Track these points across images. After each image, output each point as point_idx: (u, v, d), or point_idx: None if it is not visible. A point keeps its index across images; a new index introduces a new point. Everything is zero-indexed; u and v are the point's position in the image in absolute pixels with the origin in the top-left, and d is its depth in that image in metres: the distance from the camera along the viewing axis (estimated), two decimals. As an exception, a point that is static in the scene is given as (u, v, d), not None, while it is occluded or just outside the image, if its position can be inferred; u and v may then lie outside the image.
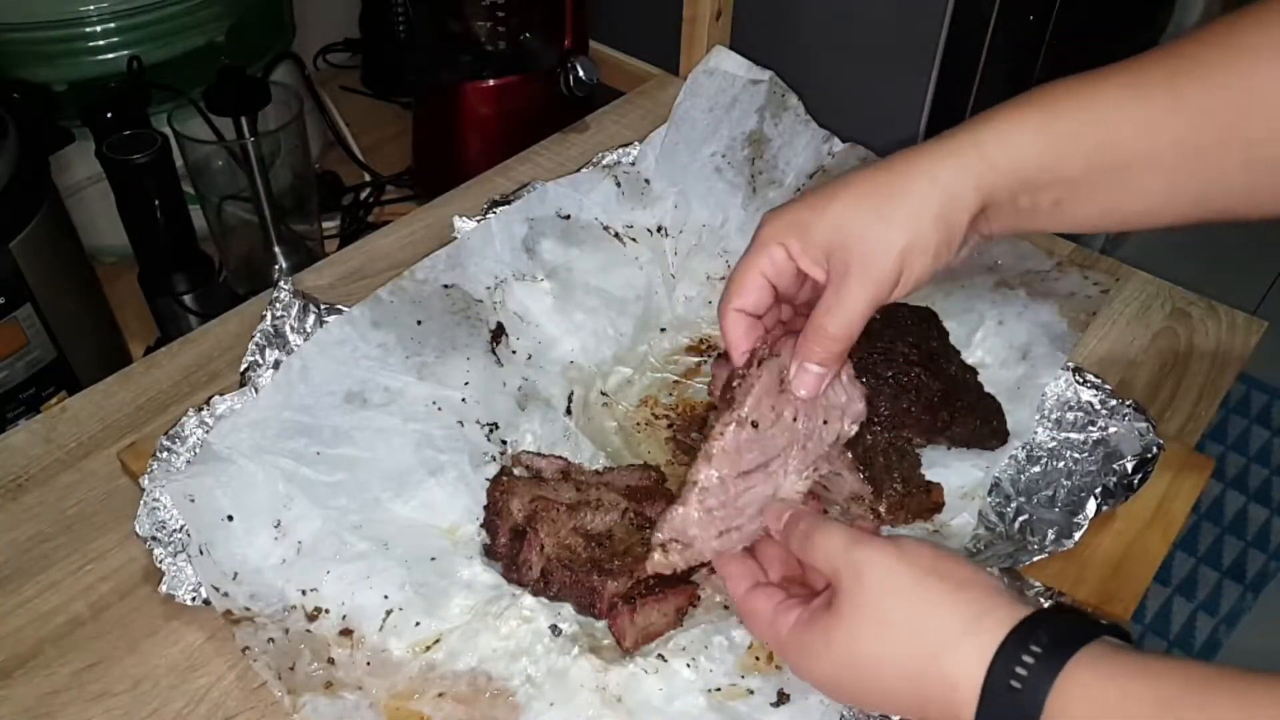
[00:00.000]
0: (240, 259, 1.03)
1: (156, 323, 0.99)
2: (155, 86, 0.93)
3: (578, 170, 0.79)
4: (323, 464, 0.58)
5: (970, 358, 0.68)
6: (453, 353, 0.64)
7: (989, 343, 0.69)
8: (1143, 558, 0.60)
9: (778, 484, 0.54)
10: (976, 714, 0.40)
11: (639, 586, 0.54)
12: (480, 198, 0.83)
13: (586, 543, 0.56)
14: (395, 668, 0.53)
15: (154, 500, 0.56)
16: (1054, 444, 0.64)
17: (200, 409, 0.59)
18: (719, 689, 0.52)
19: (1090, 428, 0.63)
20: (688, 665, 0.53)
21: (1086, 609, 0.53)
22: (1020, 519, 0.60)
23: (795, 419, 0.54)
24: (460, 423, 0.62)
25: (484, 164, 0.91)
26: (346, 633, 0.54)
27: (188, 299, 0.96)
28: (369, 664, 0.53)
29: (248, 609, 0.54)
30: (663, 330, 0.73)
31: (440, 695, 0.51)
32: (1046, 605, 0.43)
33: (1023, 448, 0.64)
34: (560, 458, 0.62)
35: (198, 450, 0.58)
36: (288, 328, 0.63)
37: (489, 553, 0.58)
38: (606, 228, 0.74)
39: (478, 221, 0.72)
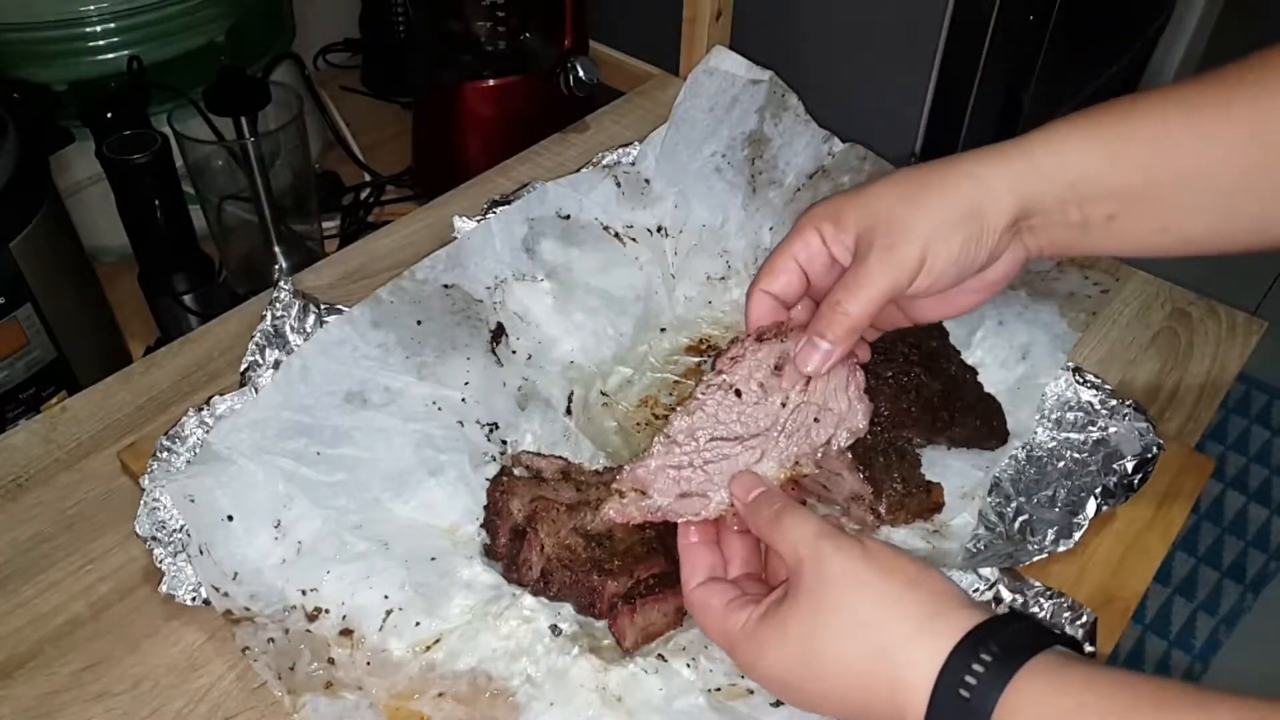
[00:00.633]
0: (240, 259, 1.03)
1: (156, 323, 0.99)
2: (155, 86, 0.93)
3: (578, 170, 0.79)
4: (323, 464, 0.58)
5: (970, 358, 0.68)
6: (453, 353, 0.64)
7: (989, 343, 0.69)
8: (1143, 558, 0.60)
9: (751, 465, 0.53)
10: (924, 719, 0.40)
11: (639, 586, 0.54)
12: (480, 198, 0.83)
13: (586, 543, 0.56)
14: (395, 668, 0.53)
15: (154, 500, 0.56)
16: (1054, 444, 0.64)
17: (200, 409, 0.59)
18: (719, 689, 0.52)
19: (1090, 428, 0.63)
20: (688, 665, 0.53)
21: (1047, 619, 0.52)
22: (1020, 519, 0.60)
23: (784, 404, 0.53)
24: (460, 423, 0.62)
25: (484, 164, 0.91)
26: (346, 633, 0.54)
27: (188, 299, 0.95)
28: (369, 664, 0.53)
29: (248, 609, 0.54)
30: (663, 330, 0.73)
31: (440, 695, 0.51)
32: (1000, 610, 0.42)
33: (1023, 448, 0.64)
34: (560, 458, 0.62)
35: (198, 450, 0.58)
36: (288, 328, 0.63)
37: (489, 553, 0.58)
38: (606, 228, 0.74)
39: (478, 221, 0.72)
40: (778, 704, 0.51)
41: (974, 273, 0.50)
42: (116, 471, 0.64)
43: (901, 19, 1.03)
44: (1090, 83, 1.34)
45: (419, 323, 0.64)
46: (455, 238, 0.71)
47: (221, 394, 0.60)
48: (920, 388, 0.62)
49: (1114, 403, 0.63)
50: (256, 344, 0.62)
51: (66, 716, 0.52)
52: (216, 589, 0.54)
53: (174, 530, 0.55)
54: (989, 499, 0.62)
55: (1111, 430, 0.62)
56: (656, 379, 0.71)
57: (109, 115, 0.89)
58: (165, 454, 0.58)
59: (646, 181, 0.76)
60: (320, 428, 0.59)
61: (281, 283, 0.64)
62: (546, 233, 0.72)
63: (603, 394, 0.69)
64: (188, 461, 0.58)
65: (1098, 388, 0.64)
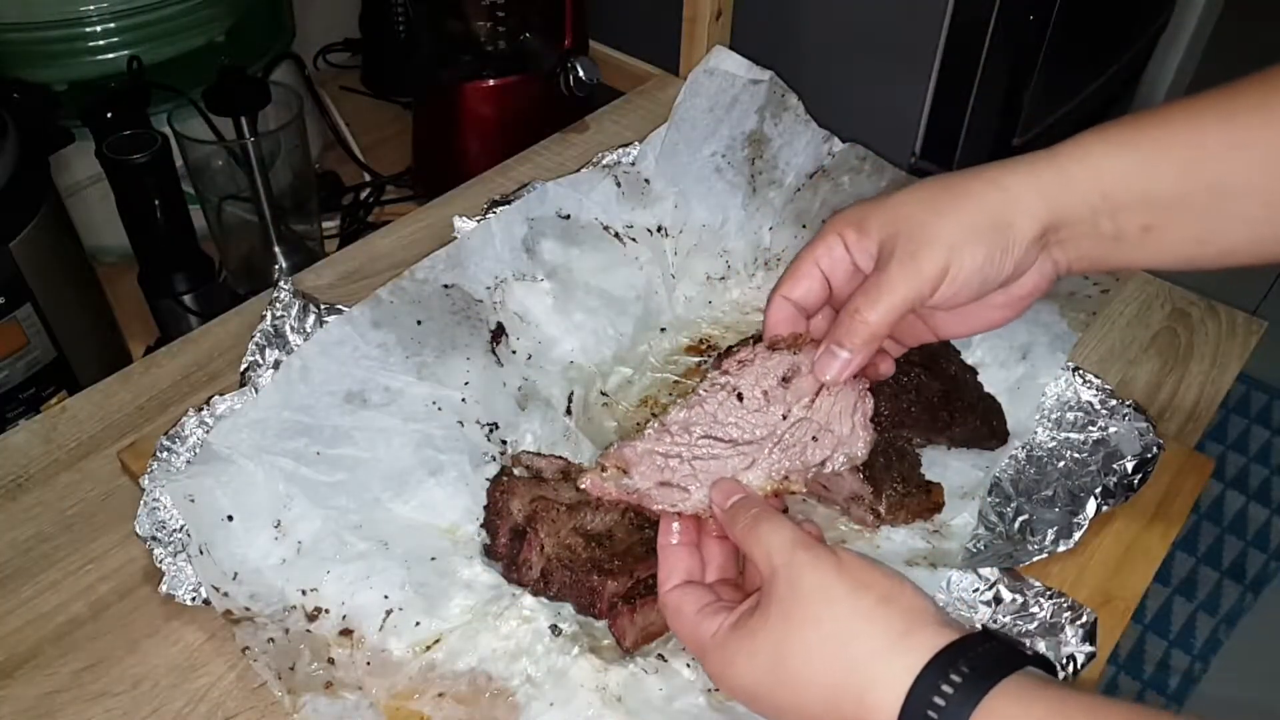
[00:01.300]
0: (240, 259, 1.03)
1: (156, 323, 0.99)
2: (155, 86, 0.93)
3: (578, 170, 0.79)
4: (323, 464, 0.58)
5: (970, 358, 0.68)
6: (453, 353, 0.64)
7: (989, 343, 0.69)
8: (1143, 558, 0.60)
9: (739, 470, 0.52)
10: None
11: (639, 586, 0.54)
12: (480, 198, 0.83)
13: (586, 543, 0.56)
14: (395, 668, 0.53)
15: (154, 500, 0.56)
16: (1054, 444, 0.64)
17: (200, 409, 0.59)
18: (719, 689, 0.52)
19: (1090, 428, 0.63)
20: (688, 665, 0.53)
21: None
22: (1020, 519, 0.60)
23: (784, 417, 0.53)
24: (460, 423, 0.62)
25: (484, 164, 0.91)
26: (346, 633, 0.54)
27: (188, 299, 0.95)
28: (369, 664, 0.53)
29: (248, 609, 0.54)
30: (663, 330, 0.73)
31: (440, 695, 0.51)
32: (976, 628, 0.41)
33: (1023, 448, 0.64)
34: (560, 458, 0.62)
35: (198, 450, 0.58)
36: (288, 328, 0.63)
37: (489, 553, 0.58)
38: (606, 228, 0.74)
39: (478, 221, 0.72)
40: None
41: (998, 286, 0.49)
42: (116, 471, 0.64)
43: (901, 19, 1.03)
44: (1090, 83, 1.33)
45: (419, 323, 0.64)
46: (455, 238, 0.71)
47: (221, 394, 0.60)
48: (920, 388, 0.62)
49: (1114, 403, 0.63)
50: (256, 344, 0.62)
51: (66, 716, 0.52)
52: (216, 589, 0.54)
53: (174, 530, 0.55)
54: (989, 499, 0.62)
55: (1111, 430, 0.62)
56: (656, 379, 0.71)
57: (109, 115, 0.89)
58: (165, 454, 0.58)
59: (646, 181, 0.76)
60: (320, 428, 0.59)
61: (281, 283, 0.64)
62: (546, 233, 0.72)
63: (603, 394, 0.69)
64: (188, 461, 0.58)
65: (1098, 388, 0.64)
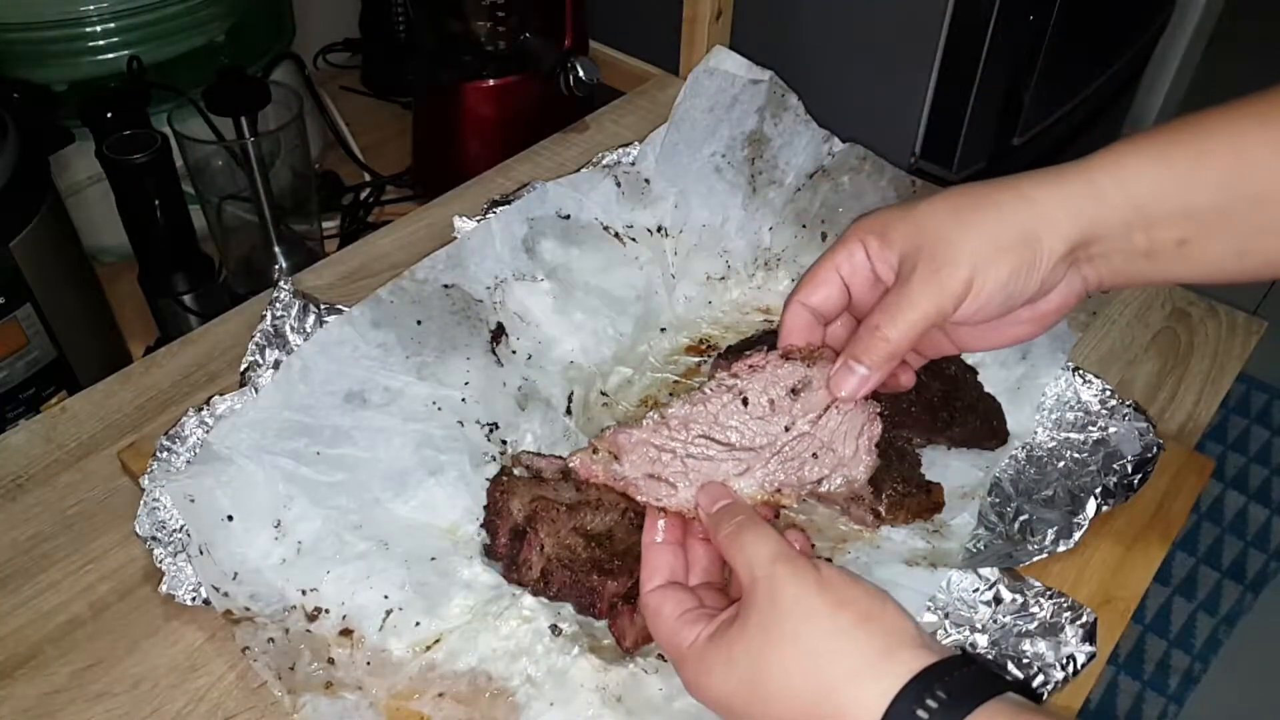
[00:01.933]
0: (240, 259, 1.03)
1: (156, 323, 0.99)
2: (155, 86, 0.93)
3: (578, 170, 0.79)
4: (323, 464, 0.58)
5: (970, 358, 0.68)
6: (453, 353, 0.64)
7: (989, 343, 0.69)
8: (1143, 558, 0.60)
9: (731, 475, 0.52)
10: None
11: (639, 586, 0.54)
12: (480, 198, 0.83)
13: (586, 543, 0.56)
14: (395, 668, 0.53)
15: (154, 500, 0.56)
16: (1054, 444, 0.64)
17: (200, 409, 0.59)
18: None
19: (1090, 428, 0.63)
20: (688, 665, 0.53)
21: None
22: (1020, 519, 0.60)
23: (787, 429, 0.52)
24: (460, 423, 0.62)
25: (484, 164, 0.91)
26: (346, 633, 0.54)
27: (188, 299, 0.95)
28: (369, 664, 0.53)
29: (248, 609, 0.54)
30: (663, 330, 0.73)
31: (440, 695, 0.51)
32: (956, 652, 0.41)
33: (1023, 448, 0.64)
34: (560, 458, 0.62)
35: (198, 450, 0.58)
36: (288, 328, 0.63)
37: (489, 553, 0.58)
38: (606, 228, 0.74)
39: (478, 221, 0.72)
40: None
41: (1023, 303, 0.47)
42: (116, 471, 0.64)
43: (901, 19, 1.03)
44: (1090, 83, 1.33)
45: (419, 323, 0.64)
46: (455, 238, 0.71)
47: (221, 394, 0.60)
48: (920, 388, 0.62)
49: (1114, 403, 0.63)
50: (256, 344, 0.62)
51: (66, 716, 0.52)
52: (216, 589, 0.54)
53: (174, 530, 0.55)
54: (989, 499, 0.62)
55: (1111, 430, 0.62)
56: (656, 379, 0.71)
57: (109, 115, 0.89)
58: (165, 454, 0.58)
59: (646, 181, 0.76)
60: (320, 428, 0.59)
61: (281, 283, 0.64)
62: (546, 233, 0.72)
63: (603, 394, 0.69)
64: (188, 461, 0.58)
65: (1098, 388, 0.64)
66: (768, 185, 0.79)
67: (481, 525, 0.58)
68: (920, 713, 0.38)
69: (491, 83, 1.03)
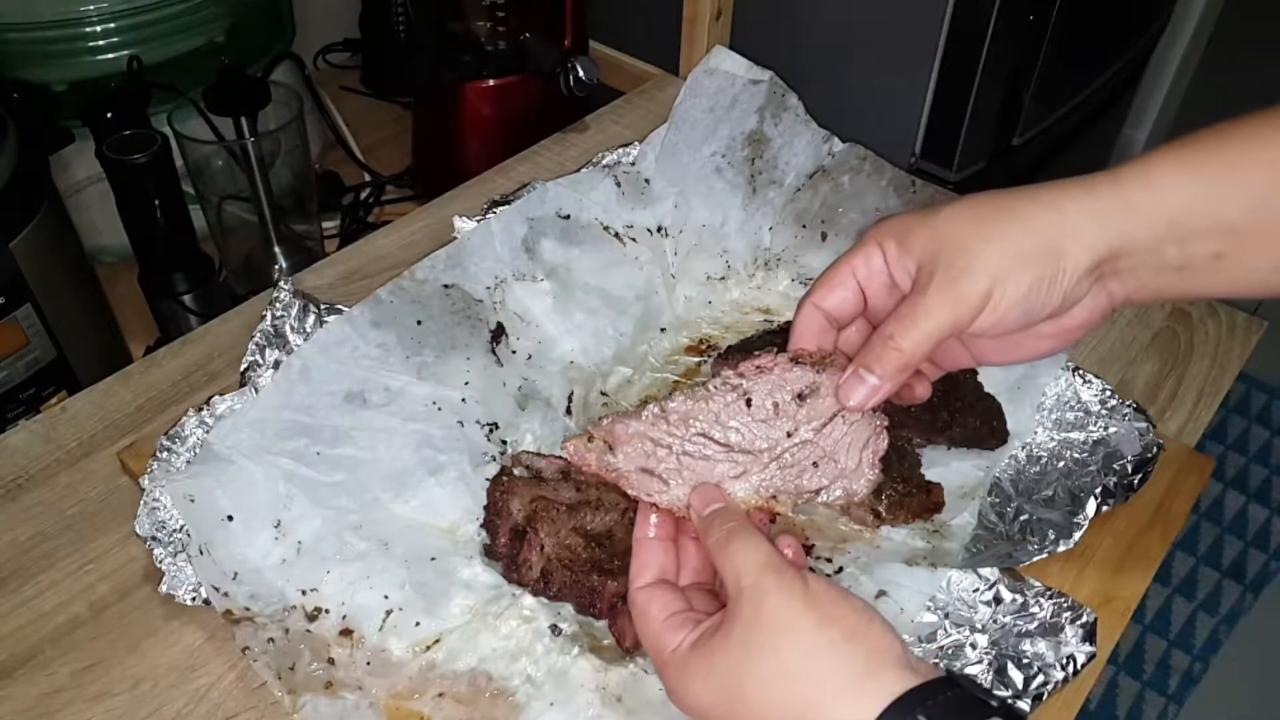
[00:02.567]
0: (240, 259, 1.03)
1: (156, 323, 0.99)
2: (155, 86, 0.93)
3: (578, 170, 0.79)
4: (323, 464, 0.58)
5: (970, 358, 0.68)
6: (453, 353, 0.64)
7: (989, 343, 0.69)
8: (1143, 558, 0.60)
9: (727, 477, 0.51)
10: None
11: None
12: (480, 198, 0.83)
13: (586, 543, 0.56)
14: (395, 668, 0.53)
15: (154, 500, 0.56)
16: (1054, 444, 0.64)
17: (200, 409, 0.59)
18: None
19: (1090, 428, 0.63)
20: (688, 665, 0.53)
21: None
22: (1020, 519, 0.60)
23: (789, 434, 0.51)
24: (460, 423, 0.62)
25: (484, 164, 0.91)
26: (346, 633, 0.54)
27: (188, 299, 0.95)
28: (369, 664, 0.53)
29: (248, 609, 0.54)
30: (663, 330, 0.73)
31: (440, 695, 0.51)
32: (942, 674, 0.40)
33: (1023, 448, 0.64)
34: (560, 458, 0.62)
35: (198, 450, 0.58)
36: (288, 328, 0.63)
37: (489, 553, 0.58)
38: (606, 228, 0.74)
39: (478, 221, 0.72)
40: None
41: (1044, 317, 0.45)
42: (116, 471, 0.64)
43: (901, 19, 1.03)
44: (1090, 83, 1.33)
45: (419, 323, 0.64)
46: (455, 238, 0.71)
47: (221, 394, 0.60)
48: (920, 388, 0.62)
49: (1114, 403, 0.63)
50: (256, 344, 0.62)
51: (66, 716, 0.52)
52: (216, 589, 0.54)
53: (174, 530, 0.55)
54: (989, 499, 0.62)
55: (1111, 430, 0.62)
56: (656, 379, 0.71)
57: (109, 115, 0.89)
58: (165, 454, 0.58)
59: (646, 181, 0.76)
60: (320, 428, 0.59)
61: (281, 283, 0.64)
62: (546, 233, 0.72)
63: (603, 394, 0.69)
64: (188, 461, 0.58)
65: (1098, 388, 0.64)
66: (768, 185, 0.79)
67: (481, 525, 0.58)
68: None
69: (491, 83, 1.03)
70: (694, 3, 0.99)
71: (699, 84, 0.76)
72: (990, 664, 0.51)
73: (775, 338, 0.68)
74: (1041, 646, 0.51)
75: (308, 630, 0.54)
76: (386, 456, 0.59)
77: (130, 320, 1.02)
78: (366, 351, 0.62)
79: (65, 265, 0.89)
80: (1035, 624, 0.52)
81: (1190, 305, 0.77)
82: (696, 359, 0.72)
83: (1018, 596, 0.53)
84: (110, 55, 0.95)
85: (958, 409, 0.63)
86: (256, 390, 0.60)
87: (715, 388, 0.51)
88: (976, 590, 0.54)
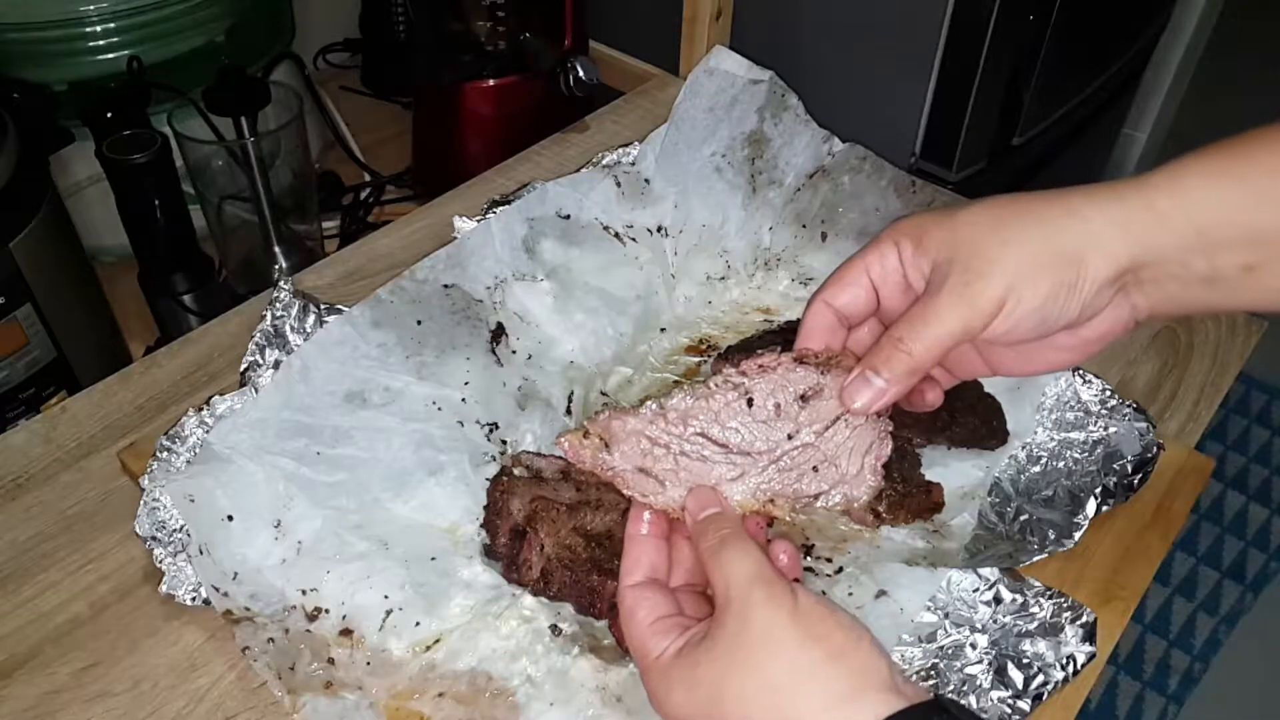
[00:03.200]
0: (240, 259, 1.03)
1: (156, 323, 0.99)
2: (155, 86, 0.93)
3: (578, 170, 0.79)
4: (323, 464, 0.58)
5: (970, 358, 0.68)
6: (453, 353, 0.64)
7: (989, 343, 0.69)
8: (1143, 558, 0.60)
9: (724, 479, 0.49)
10: None
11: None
12: (480, 198, 0.83)
13: (586, 543, 0.56)
14: (395, 668, 0.53)
15: (154, 500, 0.56)
16: (1054, 444, 0.64)
17: (200, 409, 0.59)
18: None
19: (1090, 428, 0.63)
20: (688, 665, 0.52)
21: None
22: (1020, 519, 0.60)
23: (790, 437, 0.50)
24: (460, 423, 0.62)
25: (484, 164, 0.91)
26: (346, 633, 0.54)
27: (188, 299, 0.96)
28: (369, 664, 0.53)
29: (248, 609, 0.54)
30: (663, 330, 0.73)
31: (440, 695, 0.51)
32: (928, 696, 0.39)
33: (1023, 448, 0.64)
34: (560, 458, 0.62)
35: (198, 450, 0.58)
36: (288, 328, 0.63)
37: (489, 553, 0.58)
38: (606, 228, 0.74)
39: (478, 221, 0.72)
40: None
41: (1061, 327, 0.44)
42: (116, 471, 0.64)
43: (901, 19, 1.03)
44: (1090, 83, 1.34)
45: (419, 323, 0.64)
46: (455, 238, 0.71)
47: (221, 394, 0.60)
48: (920, 388, 0.62)
49: (1114, 403, 0.63)
50: (256, 344, 0.62)
51: (66, 716, 0.52)
52: (216, 589, 0.54)
53: (174, 530, 0.55)
54: (989, 499, 0.62)
55: (1111, 430, 0.62)
56: (656, 379, 0.71)
57: (109, 115, 0.89)
58: (165, 454, 0.58)
59: (646, 181, 0.76)
60: (320, 428, 0.59)
61: (281, 283, 0.64)
62: (546, 233, 0.72)
63: (603, 394, 0.69)
64: (188, 461, 0.58)
65: (1098, 388, 0.64)
66: (768, 185, 0.79)
67: (481, 525, 0.58)
68: None
69: (491, 83, 1.03)
70: (694, 3, 0.99)
71: (699, 84, 0.76)
72: (990, 664, 0.51)
73: (775, 337, 0.68)
74: (1041, 646, 0.51)
75: (308, 630, 0.54)
76: (386, 456, 0.59)
77: (130, 320, 1.02)
78: (366, 351, 0.62)
79: (65, 265, 0.89)
80: (1035, 624, 0.52)
81: (1190, 305, 0.77)
82: (696, 359, 0.72)
83: (1018, 596, 0.53)
84: (110, 55, 0.95)
85: (958, 409, 0.63)
86: (256, 390, 0.59)
87: (716, 385, 0.50)
88: (976, 590, 0.54)
